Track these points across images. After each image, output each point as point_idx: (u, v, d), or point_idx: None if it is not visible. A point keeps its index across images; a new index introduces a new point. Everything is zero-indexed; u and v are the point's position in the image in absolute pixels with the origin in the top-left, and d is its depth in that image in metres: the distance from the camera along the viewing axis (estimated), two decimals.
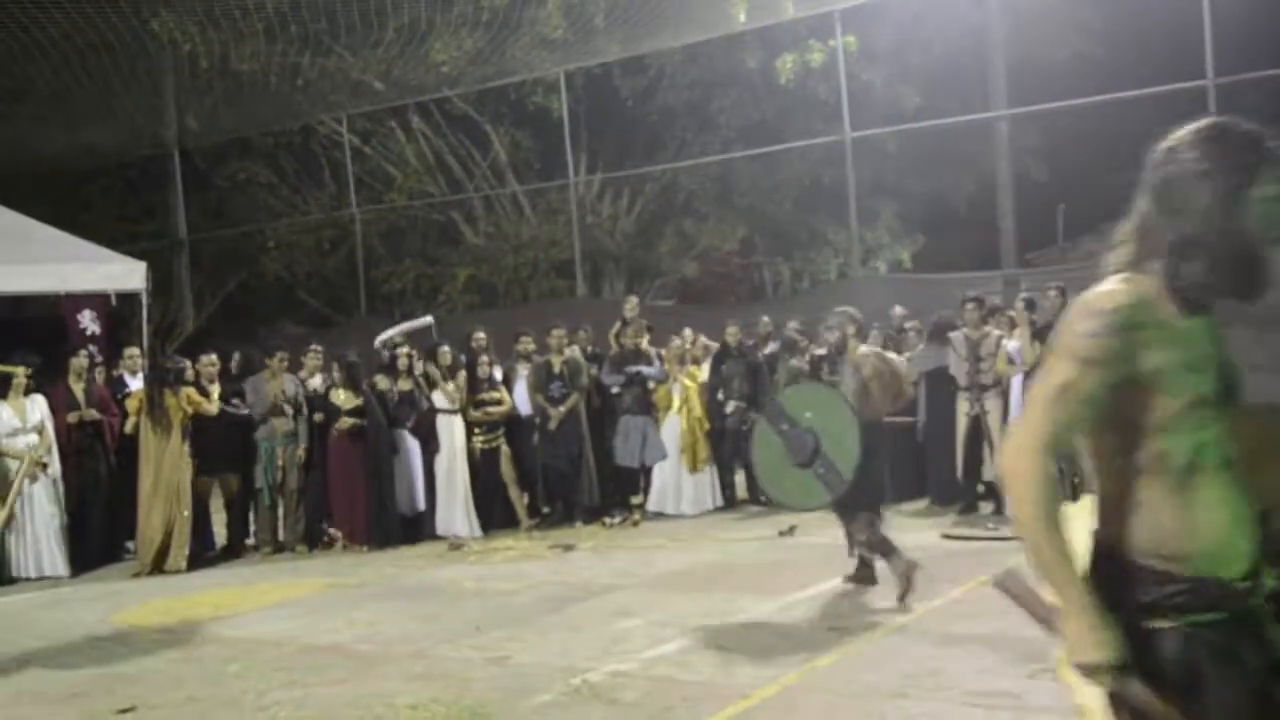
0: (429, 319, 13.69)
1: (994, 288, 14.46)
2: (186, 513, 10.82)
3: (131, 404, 11.07)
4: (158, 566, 10.65)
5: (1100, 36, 20.74)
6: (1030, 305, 10.62)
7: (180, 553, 10.75)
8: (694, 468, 12.27)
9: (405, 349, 11.98)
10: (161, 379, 11.07)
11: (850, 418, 7.69)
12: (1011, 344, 10.81)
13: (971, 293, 11.61)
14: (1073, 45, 20.65)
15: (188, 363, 11.54)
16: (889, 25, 18.68)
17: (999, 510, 10.87)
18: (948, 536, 9.98)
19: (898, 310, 12.66)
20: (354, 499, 11.41)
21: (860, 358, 8.03)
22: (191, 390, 11.09)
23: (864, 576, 8.12)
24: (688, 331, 12.94)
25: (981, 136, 20.15)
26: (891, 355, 8.76)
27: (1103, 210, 23.51)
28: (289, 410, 11.54)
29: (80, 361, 11.41)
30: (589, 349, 12.80)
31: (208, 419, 11.26)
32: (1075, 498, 2.92)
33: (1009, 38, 19.96)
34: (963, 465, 11.22)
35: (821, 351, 12.71)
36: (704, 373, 12.53)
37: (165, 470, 10.75)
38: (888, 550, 7.69)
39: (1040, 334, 10.34)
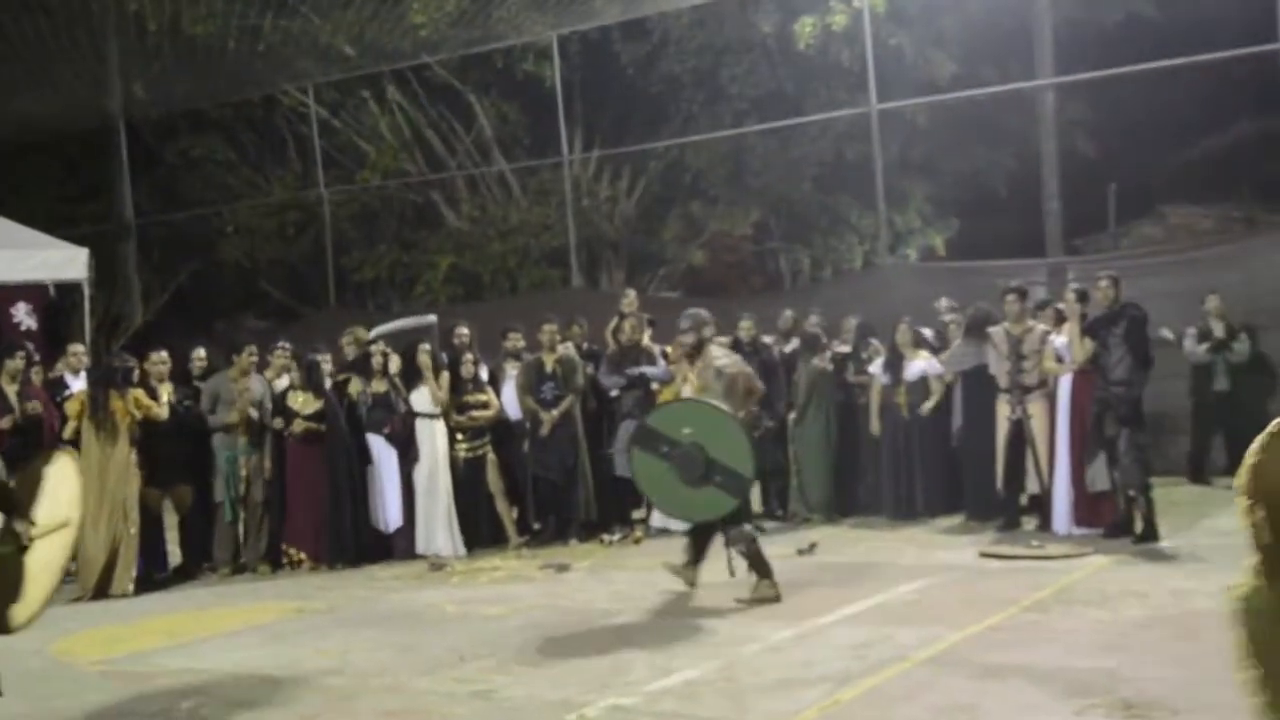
0: (432, 318, 13.70)
1: (1038, 277, 14.46)
2: (134, 530, 10.80)
3: (71, 407, 11.04)
4: (101, 590, 10.63)
5: None
6: (1082, 297, 10.60)
7: (126, 574, 10.73)
8: None
9: (380, 346, 11.98)
10: (107, 379, 11.05)
11: (727, 419, 8.33)
12: (1059, 340, 10.81)
13: (1013, 283, 11.59)
14: (1126, 6, 20.64)
15: (135, 361, 11.53)
16: None
17: (1044, 526, 10.88)
18: (986, 555, 9.97)
19: (943, 303, 12.65)
20: (317, 514, 11.43)
21: (720, 358, 8.74)
22: (140, 392, 11.07)
23: (765, 595, 8.59)
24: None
25: (1024, 109, 20.11)
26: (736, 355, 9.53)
27: (1159, 191, 23.67)
28: (255, 415, 11.55)
29: (15, 364, 11.41)
30: (585, 346, 12.79)
31: (158, 425, 11.26)
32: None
33: None
34: (1003, 476, 11.21)
35: (846, 349, 12.77)
36: None
37: (110, 482, 10.71)
38: (763, 568, 8.51)
39: (1091, 329, 10.33)
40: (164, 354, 11.80)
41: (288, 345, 12.36)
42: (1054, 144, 20.32)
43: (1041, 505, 11.02)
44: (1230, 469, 12.26)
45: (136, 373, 11.26)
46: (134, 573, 10.77)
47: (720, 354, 8.85)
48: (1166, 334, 12.27)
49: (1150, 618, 7.46)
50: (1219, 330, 12.66)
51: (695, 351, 8.82)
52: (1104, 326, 10.25)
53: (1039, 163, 20.51)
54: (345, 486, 11.39)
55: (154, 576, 11.38)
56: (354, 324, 13.26)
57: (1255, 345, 12.69)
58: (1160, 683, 5.92)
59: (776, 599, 8.46)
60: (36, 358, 12.19)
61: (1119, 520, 10.34)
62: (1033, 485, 11.08)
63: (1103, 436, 10.23)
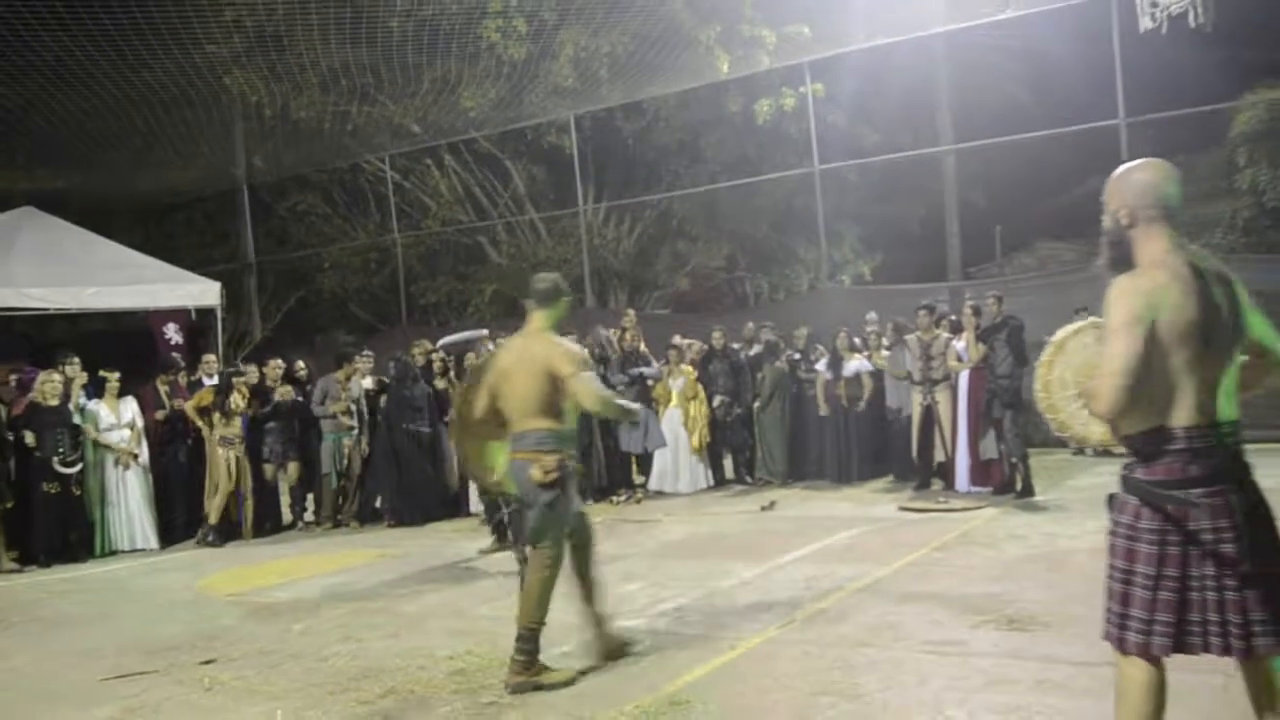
0: (484, 331, 13.70)
1: (942, 296, 14.46)
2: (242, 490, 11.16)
3: (204, 397, 11.11)
4: (229, 536, 10.93)
5: (1028, 84, 20.81)
6: (976, 311, 10.63)
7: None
8: (699, 447, 12.30)
9: (439, 355, 11.98)
10: (227, 382, 11.18)
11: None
12: (959, 344, 10.83)
13: (923, 301, 11.61)
14: (1005, 91, 20.69)
15: (241, 369, 11.67)
16: (851, 75, 18.69)
17: (948, 486, 10.91)
18: (905, 509, 10.00)
19: (870, 316, 12.68)
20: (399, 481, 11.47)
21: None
22: (237, 395, 11.15)
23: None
24: (677, 338, 12.93)
25: (930, 168, 20.19)
26: None
27: (1033, 230, 23.70)
28: (354, 409, 11.60)
29: (167, 376, 11.52)
30: (596, 351, 12.79)
31: (276, 415, 11.36)
32: None
33: (952, 85, 20.02)
34: (917, 448, 11.23)
35: (797, 354, 12.79)
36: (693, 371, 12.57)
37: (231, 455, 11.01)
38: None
39: (983, 336, 10.36)
40: (279, 361, 11.88)
41: (370, 353, 12.39)
42: (954, 195, 20.42)
43: (946, 470, 11.05)
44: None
45: (242, 379, 11.33)
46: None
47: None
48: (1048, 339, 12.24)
49: (1028, 554, 7.48)
50: None
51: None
52: (992, 334, 10.28)
53: (943, 209, 20.61)
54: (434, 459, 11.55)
55: (272, 529, 11.48)
56: (419, 338, 13.28)
57: None
58: (1035, 603, 5.95)
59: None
60: (183, 365, 12.25)
61: (1005, 481, 10.37)
62: (939, 455, 11.11)
63: (991, 417, 10.26)
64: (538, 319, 5.42)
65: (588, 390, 5.16)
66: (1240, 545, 2.97)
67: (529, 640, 5.21)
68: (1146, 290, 3.01)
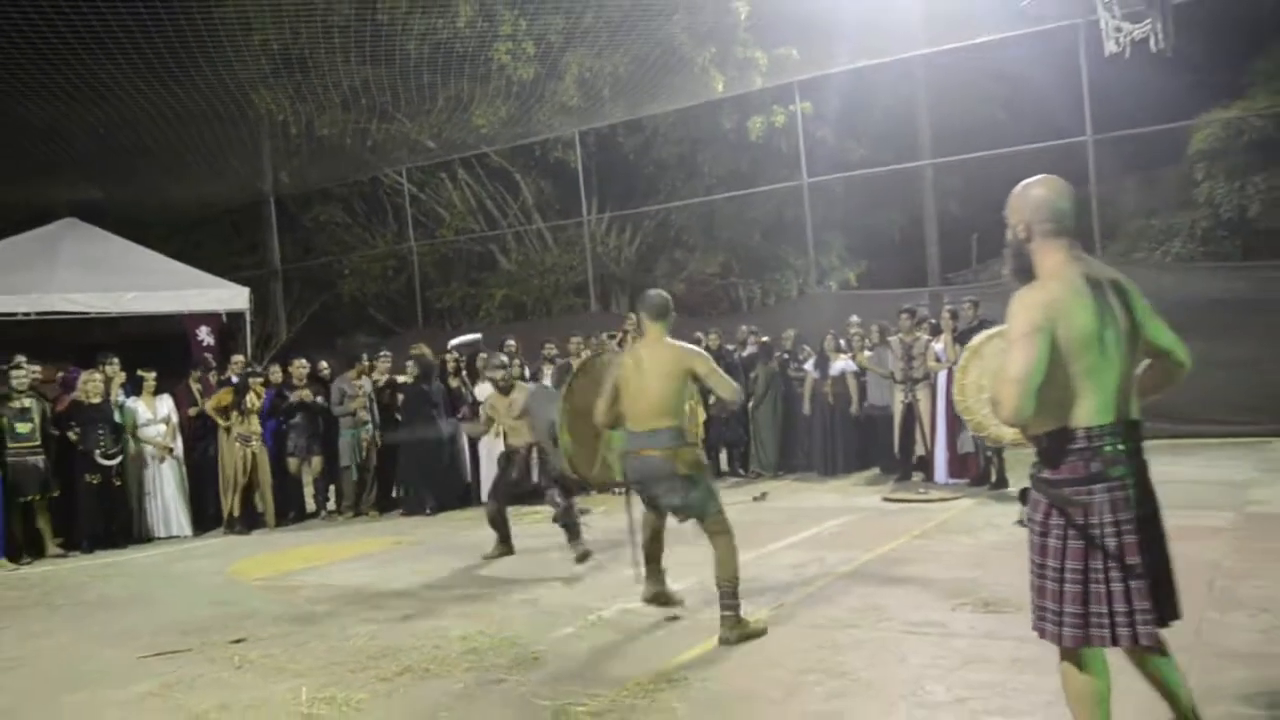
0: (477, 335, 13.72)
1: (922, 301, 14.46)
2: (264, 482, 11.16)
3: (223, 397, 11.11)
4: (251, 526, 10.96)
5: (1002, 103, 20.78)
6: (953, 315, 10.64)
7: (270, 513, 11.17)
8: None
9: (453, 356, 11.99)
10: (246, 382, 11.18)
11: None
12: (938, 345, 10.84)
13: (905, 305, 11.62)
14: (981, 110, 20.68)
15: (274, 368, 11.71)
16: (837, 94, 18.68)
17: (928, 478, 10.91)
18: (888, 499, 10.01)
19: (854, 319, 12.68)
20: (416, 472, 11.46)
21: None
22: (252, 395, 11.14)
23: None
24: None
25: (911, 181, 20.17)
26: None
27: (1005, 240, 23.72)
28: (367, 404, 11.61)
29: (197, 373, 11.55)
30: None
31: (292, 412, 11.39)
32: None
33: (932, 104, 20.01)
34: (899, 443, 11.23)
35: (786, 355, 12.80)
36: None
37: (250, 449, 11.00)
38: (574, 530, 7.67)
39: (961, 337, 10.36)
40: (303, 361, 11.87)
41: (388, 354, 12.40)
42: (933, 206, 20.41)
43: (926, 464, 11.05)
44: None
45: (258, 379, 11.34)
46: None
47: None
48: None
49: (1002, 542, 7.49)
50: None
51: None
52: (969, 336, 10.21)
53: (923, 219, 20.61)
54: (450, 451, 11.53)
55: (294, 518, 11.48)
56: (434, 339, 13.31)
57: None
58: (1009, 587, 5.95)
59: (588, 557, 7.56)
60: (214, 365, 12.25)
61: (980, 473, 10.38)
62: (920, 449, 11.11)
63: None
64: (655, 330, 5.66)
65: (726, 383, 5.48)
66: (1138, 538, 3.00)
67: (732, 595, 5.42)
68: (1045, 302, 3.01)
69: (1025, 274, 3.15)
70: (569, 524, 7.76)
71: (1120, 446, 3.03)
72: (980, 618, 5.47)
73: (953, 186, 21.16)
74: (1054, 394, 3.01)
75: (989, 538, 7.69)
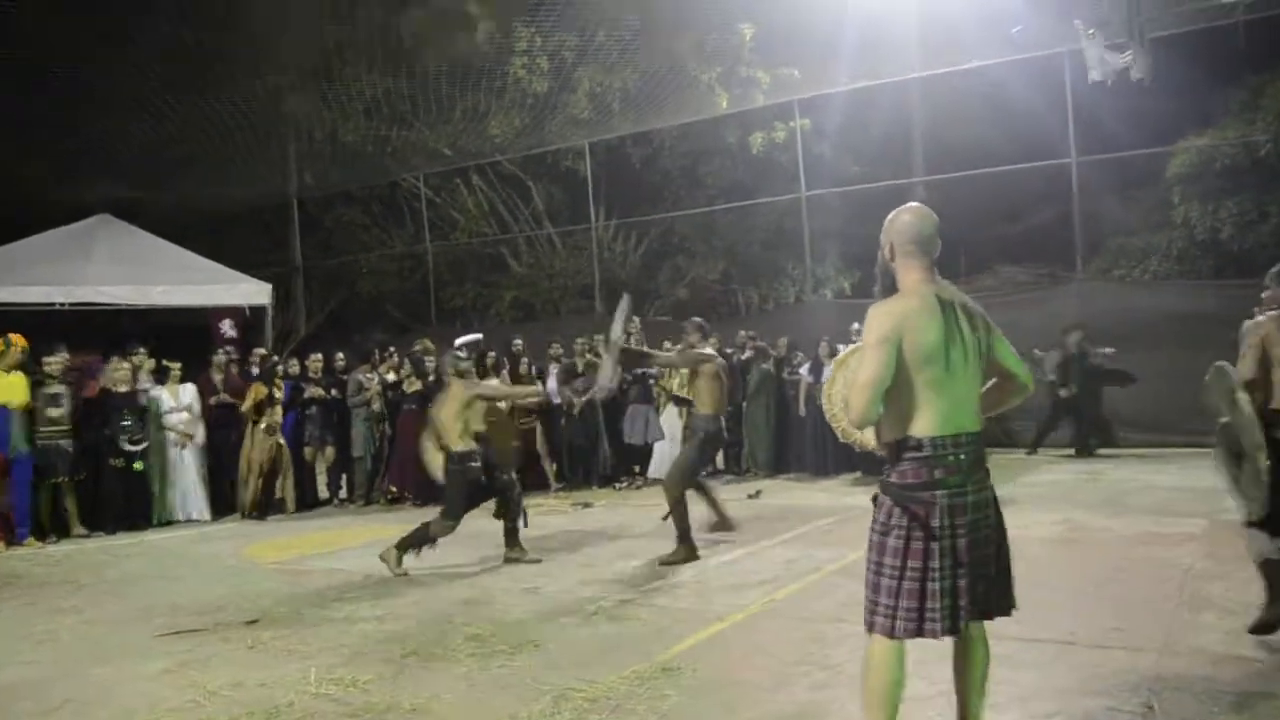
0: (478, 336, 13.70)
1: None
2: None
3: (249, 403, 11.08)
4: (265, 511, 10.94)
5: (993, 124, 20.72)
6: None
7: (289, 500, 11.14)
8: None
9: (461, 355, 11.92)
10: (270, 374, 11.16)
11: None
12: None
13: None
14: (973, 130, 20.63)
15: (276, 361, 11.72)
16: (836, 112, 18.65)
17: None
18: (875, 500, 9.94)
19: (856, 326, 12.60)
20: (419, 464, 11.40)
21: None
22: (260, 385, 11.12)
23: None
24: (667, 344, 12.80)
25: (905, 196, 20.09)
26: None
27: (993, 254, 23.64)
28: (380, 397, 11.59)
29: (219, 359, 11.49)
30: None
31: (305, 403, 11.36)
32: None
33: (925, 124, 19.99)
34: None
35: (782, 355, 12.76)
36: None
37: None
38: (685, 528, 7.45)
39: None
40: (318, 355, 11.86)
41: (393, 349, 12.43)
42: None
43: None
44: (1041, 443, 12.24)
45: (293, 367, 11.35)
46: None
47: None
48: (1037, 353, 12.23)
49: None
50: (1075, 350, 12.41)
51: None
52: None
53: None
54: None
55: (310, 505, 11.45)
56: (449, 336, 13.26)
57: (1085, 365, 12.46)
58: None
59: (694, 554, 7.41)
60: (236, 357, 12.22)
61: None
62: None
63: None
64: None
65: (519, 391, 6.05)
66: (968, 539, 3.11)
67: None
68: (896, 314, 3.10)
69: (891, 290, 3.26)
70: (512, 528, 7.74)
71: (961, 457, 3.11)
72: None
73: (943, 201, 20.93)
74: (902, 404, 3.10)
75: None
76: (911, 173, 18.83)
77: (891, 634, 3.14)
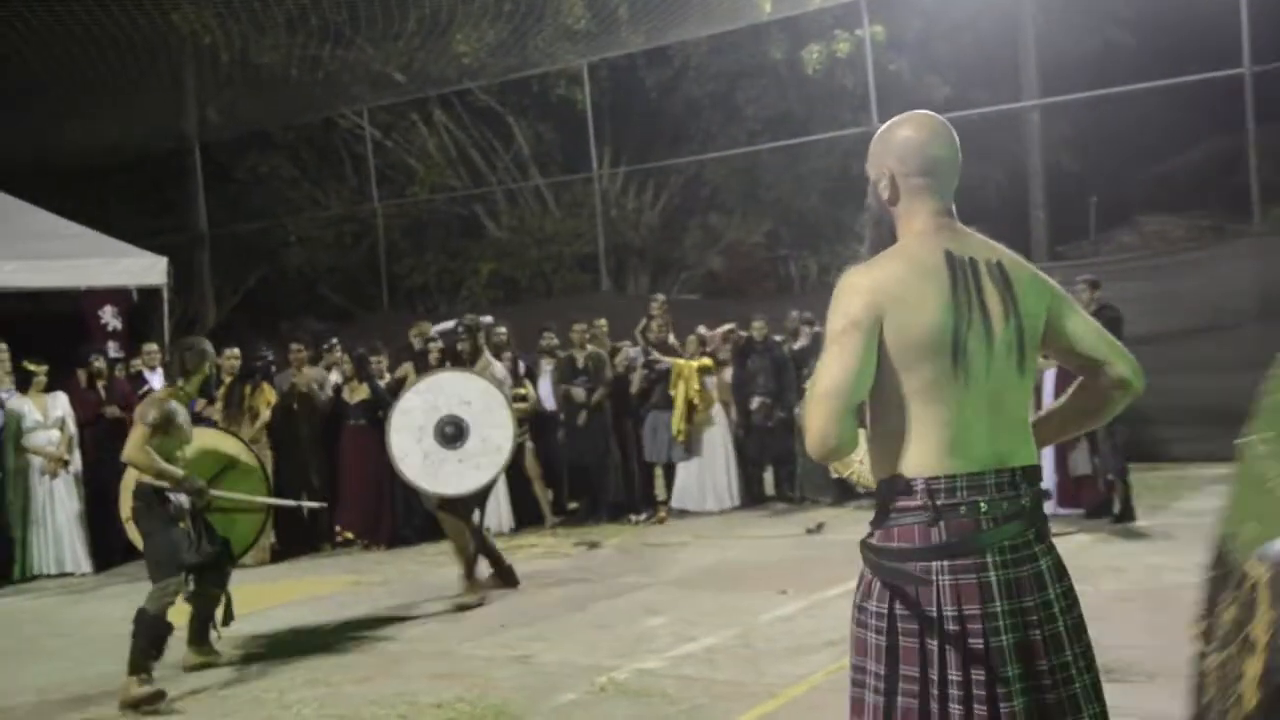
0: (488, 318, 13.74)
1: None
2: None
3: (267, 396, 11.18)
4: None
5: (1132, 25, 20.62)
6: None
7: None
8: (680, 434, 12.19)
9: (437, 344, 11.94)
10: (251, 374, 11.16)
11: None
12: None
13: None
14: (1104, 34, 20.54)
15: (274, 357, 11.74)
16: (917, 14, 18.62)
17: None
18: None
19: None
20: (372, 496, 11.43)
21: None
22: (268, 386, 11.15)
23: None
24: (701, 328, 12.81)
25: (1012, 127, 20.04)
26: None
27: (1136, 202, 23.56)
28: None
29: (94, 366, 11.52)
30: (609, 344, 12.79)
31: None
32: None
33: (1039, 27, 19.87)
34: None
35: None
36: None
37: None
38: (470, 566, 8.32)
39: None
40: (236, 351, 11.85)
41: (335, 341, 12.45)
42: (1039, 159, 20.27)
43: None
44: (1210, 456, 12.18)
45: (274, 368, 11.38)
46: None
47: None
48: None
49: (1127, 590, 7.43)
50: None
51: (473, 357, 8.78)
52: None
53: (1026, 176, 20.47)
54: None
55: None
56: (413, 322, 13.36)
57: None
58: (1136, 649, 5.90)
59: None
60: (121, 355, 12.25)
61: (1099, 502, 10.30)
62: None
63: None
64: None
65: None
66: (998, 640, 2.55)
67: None
68: (870, 287, 2.63)
69: (886, 248, 2.80)
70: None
71: (982, 507, 2.58)
72: None
73: (1066, 134, 21.06)
74: (889, 423, 2.66)
75: (1110, 584, 7.63)
76: (1021, 95, 18.72)
77: None
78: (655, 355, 12.18)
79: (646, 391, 12.18)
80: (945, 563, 2.56)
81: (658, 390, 12.08)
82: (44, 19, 14.56)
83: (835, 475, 3.50)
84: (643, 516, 11.98)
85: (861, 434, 2.74)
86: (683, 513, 12.18)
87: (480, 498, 8.53)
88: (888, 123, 2.87)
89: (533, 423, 12.12)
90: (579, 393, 11.87)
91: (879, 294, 2.61)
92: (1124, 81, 15.63)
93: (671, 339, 12.46)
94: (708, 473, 12.26)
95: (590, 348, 12.19)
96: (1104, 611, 6.88)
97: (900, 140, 2.80)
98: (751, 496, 12.54)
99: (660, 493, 12.65)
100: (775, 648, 6.54)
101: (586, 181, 19.90)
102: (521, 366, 12.32)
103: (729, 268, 23.48)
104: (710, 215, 22.58)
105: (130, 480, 6.88)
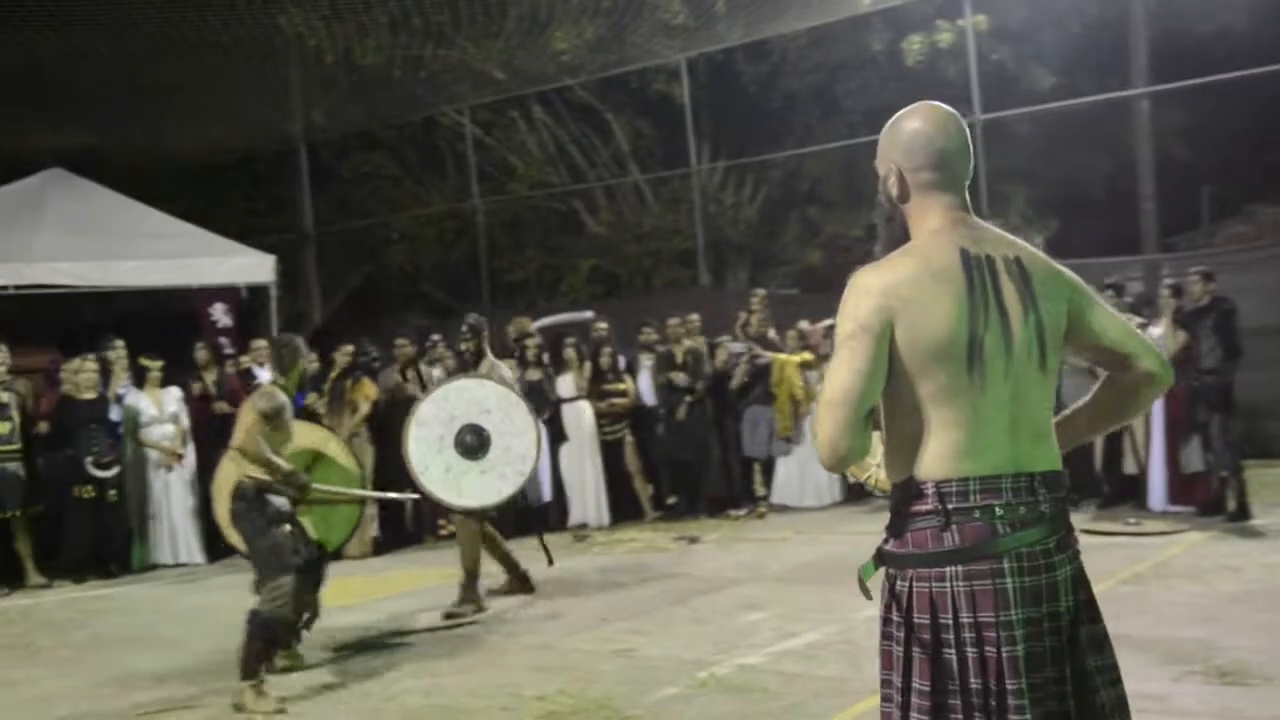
0: (589, 314, 13.81)
1: (1134, 273, 14.08)
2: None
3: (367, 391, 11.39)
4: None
5: (1245, 7, 20.06)
6: (1176, 291, 10.34)
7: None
8: (785, 430, 12.12)
9: (535, 339, 12.01)
10: (356, 370, 11.32)
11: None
12: (1155, 331, 10.51)
13: (1110, 278, 11.30)
14: (1218, 18, 20.02)
15: (378, 352, 11.91)
16: (1021, 2, 18.28)
17: (1139, 504, 10.61)
18: (1085, 531, 9.72)
19: None
20: None
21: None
22: (368, 382, 11.31)
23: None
24: (804, 323, 12.73)
25: (1120, 116, 19.63)
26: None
27: (1250, 190, 22.95)
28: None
29: (202, 354, 11.72)
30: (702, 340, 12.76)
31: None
32: None
33: (1149, 12, 19.43)
34: (1101, 458, 10.95)
35: None
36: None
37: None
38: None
39: (1184, 321, 10.07)
40: (350, 348, 11.95)
41: (439, 338, 12.53)
42: (1149, 148, 19.81)
43: (1138, 484, 10.75)
44: None
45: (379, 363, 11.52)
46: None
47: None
48: None
49: (1243, 591, 7.25)
50: None
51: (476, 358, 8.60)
52: (1196, 319, 10.01)
53: (1135, 166, 20.02)
54: None
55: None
56: (514, 317, 13.46)
57: None
58: (1253, 652, 5.75)
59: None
60: (232, 351, 12.46)
61: (1212, 499, 10.08)
62: (1130, 466, 10.82)
63: (1196, 421, 9.97)
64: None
65: None
66: (1012, 649, 2.49)
67: None
68: (880, 289, 2.57)
69: (899, 246, 2.74)
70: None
71: (998, 512, 2.53)
72: (1214, 690, 5.29)
73: (1177, 123, 20.57)
74: (903, 427, 2.62)
75: (1224, 585, 7.45)
76: (1130, 83, 18.33)
77: None
78: (757, 350, 12.16)
79: (746, 386, 12.14)
80: (960, 568, 2.52)
81: (758, 385, 12.05)
82: (156, 23, 14.85)
83: (853, 480, 3.40)
84: (742, 511, 11.95)
85: (877, 436, 2.69)
86: (782, 508, 12.13)
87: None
88: (894, 116, 2.84)
89: (633, 418, 12.16)
90: (681, 376, 11.88)
91: (890, 296, 2.56)
92: (1237, 67, 15.23)
93: (771, 334, 12.42)
94: (808, 467, 12.18)
95: (687, 342, 12.19)
96: (1219, 612, 6.73)
97: (906, 134, 2.77)
98: (851, 491, 12.44)
99: (759, 488, 12.59)
100: (876, 644, 6.46)
101: (685, 177, 19.84)
102: (621, 361, 12.37)
103: (828, 262, 23.28)
104: (809, 209, 22.44)
105: (227, 482, 6.89)
